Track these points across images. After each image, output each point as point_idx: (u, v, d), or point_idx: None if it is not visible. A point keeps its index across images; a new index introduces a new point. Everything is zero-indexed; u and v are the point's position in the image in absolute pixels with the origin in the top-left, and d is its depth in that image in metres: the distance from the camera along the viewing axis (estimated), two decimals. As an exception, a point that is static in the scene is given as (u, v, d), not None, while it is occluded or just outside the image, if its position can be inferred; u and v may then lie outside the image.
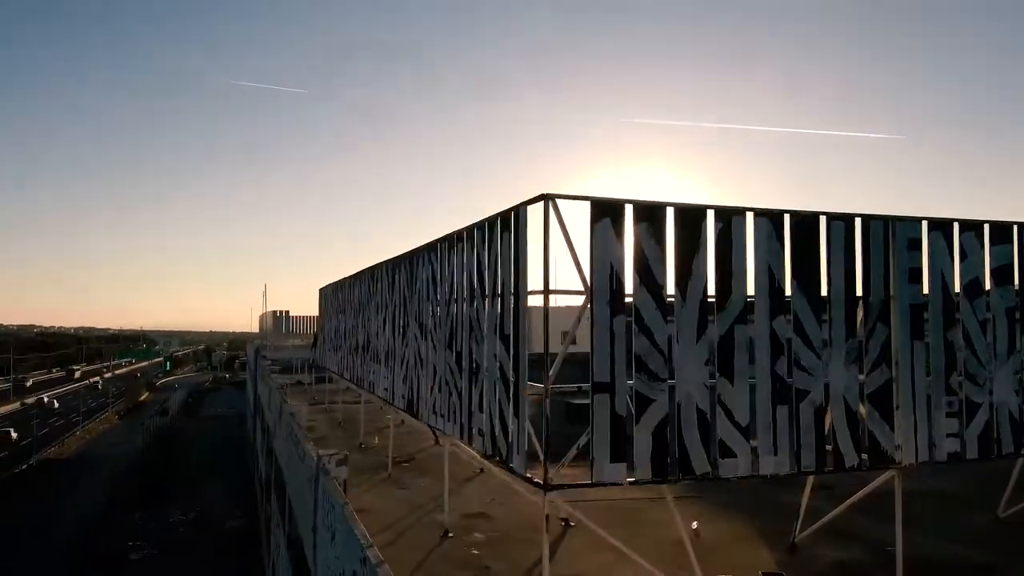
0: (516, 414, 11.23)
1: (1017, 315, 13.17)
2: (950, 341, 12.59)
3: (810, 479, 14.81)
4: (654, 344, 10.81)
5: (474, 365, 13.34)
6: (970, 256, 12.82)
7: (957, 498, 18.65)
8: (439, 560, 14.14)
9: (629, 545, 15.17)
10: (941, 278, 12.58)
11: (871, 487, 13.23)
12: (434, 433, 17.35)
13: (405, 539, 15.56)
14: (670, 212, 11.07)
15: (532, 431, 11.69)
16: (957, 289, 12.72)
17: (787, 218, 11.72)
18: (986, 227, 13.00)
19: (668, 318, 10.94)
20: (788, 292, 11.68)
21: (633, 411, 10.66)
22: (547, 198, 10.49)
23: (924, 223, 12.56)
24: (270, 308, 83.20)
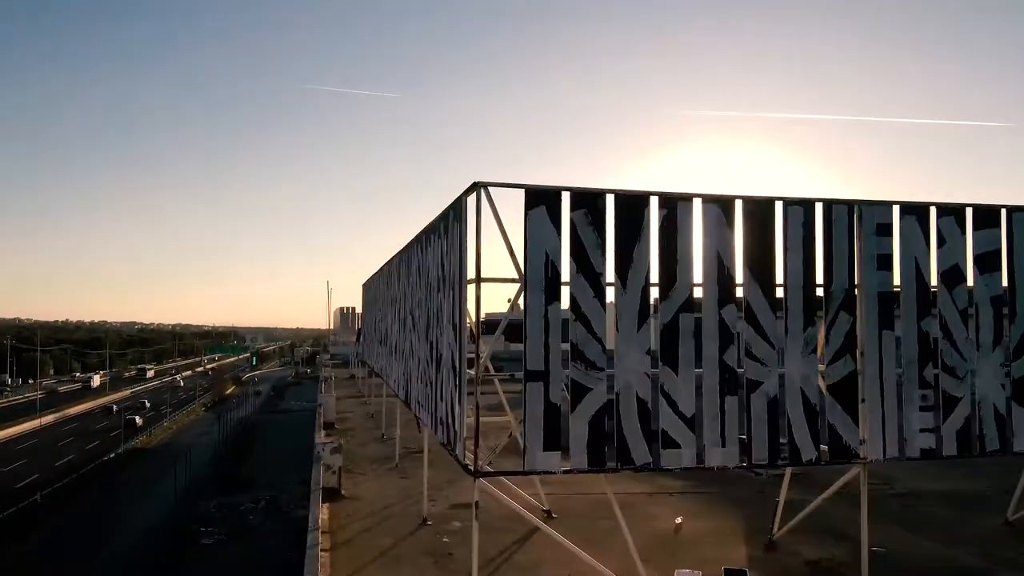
0: (460, 401, 11.35)
1: (1005, 304, 12.39)
2: (925, 331, 11.96)
3: (787, 474, 14.33)
4: (591, 332, 10.73)
5: (439, 355, 13.53)
6: (949, 242, 12.14)
7: (972, 499, 17.65)
8: (408, 546, 14.40)
9: (611, 539, 15.08)
10: (915, 265, 11.96)
11: (839, 484, 12.73)
12: (418, 423, 17.61)
13: (384, 526, 15.90)
14: (610, 199, 10.95)
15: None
16: (934, 276, 12.07)
17: (739, 204, 11.41)
18: (968, 211, 12.28)
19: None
20: (740, 280, 11.38)
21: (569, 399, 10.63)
22: (479, 186, 10.56)
23: (895, 207, 11.98)
24: (345, 304, 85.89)
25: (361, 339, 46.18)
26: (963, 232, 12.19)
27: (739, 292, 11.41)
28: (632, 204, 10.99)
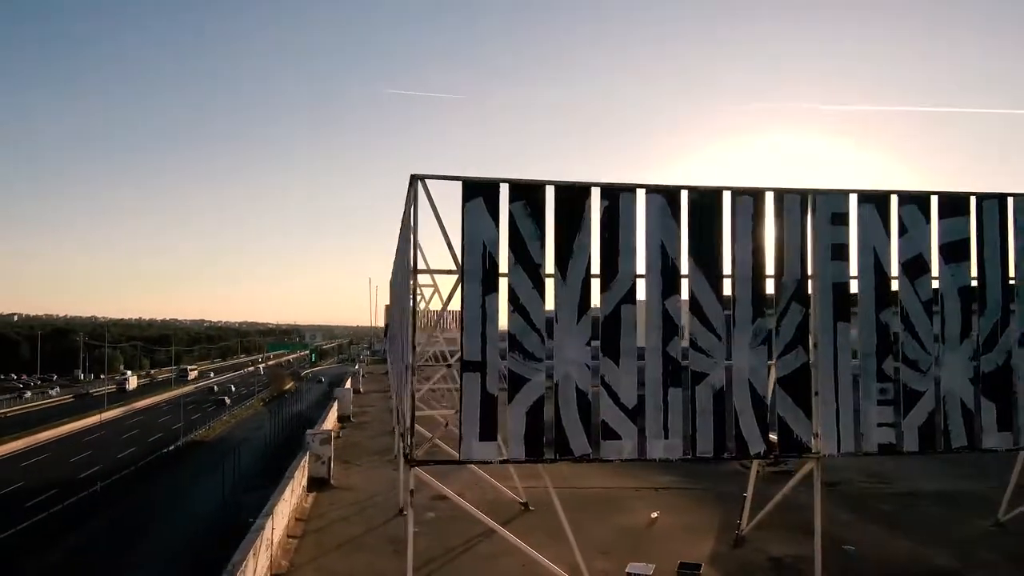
0: (406, 391, 11.54)
1: (974, 295, 11.93)
2: (884, 323, 11.61)
3: (754, 468, 14.09)
4: (529, 323, 10.78)
5: (398, 347, 13.76)
6: (911, 231, 11.75)
7: (972, 499, 16.98)
8: (376, 535, 14.66)
9: (578, 531, 15.08)
10: (873, 255, 11.62)
11: (796, 478, 12.47)
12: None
13: (361, 515, 16.22)
14: (549, 191, 10.97)
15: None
16: (895, 267, 11.72)
17: (684, 194, 11.29)
18: (934, 199, 11.88)
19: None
20: (685, 271, 11.25)
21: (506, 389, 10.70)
22: (415, 179, 10.71)
23: (852, 196, 11.66)
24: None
25: (387, 335, 46.98)
26: (927, 221, 11.79)
27: (684, 283, 11.29)
28: (572, 195, 10.99)
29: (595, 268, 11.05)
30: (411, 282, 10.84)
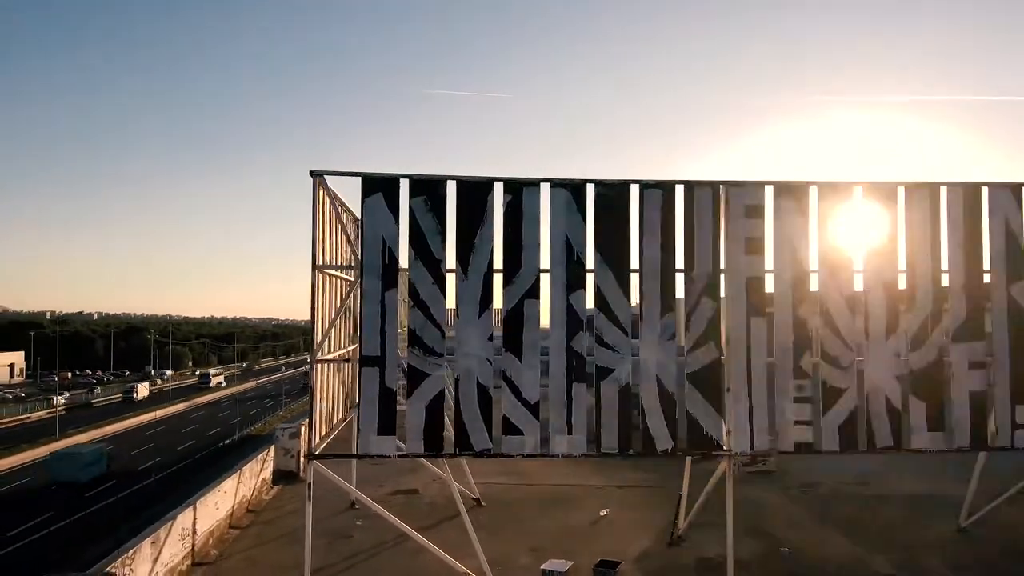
0: (313, 386, 11.68)
1: (904, 289, 11.48)
2: (801, 318, 11.27)
3: (687, 466, 13.82)
4: (430, 318, 10.81)
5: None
6: (833, 223, 11.39)
7: (948, 503, 16.21)
8: (318, 527, 14.72)
9: (524, 527, 15.10)
10: (791, 248, 11.30)
11: (715, 478, 12.17)
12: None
13: (317, 508, 16.39)
14: (451, 185, 11.00)
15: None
16: (815, 260, 11.37)
17: (590, 188, 11.17)
18: (858, 189, 11.49)
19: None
20: (591, 265, 11.13)
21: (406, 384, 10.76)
22: (315, 175, 10.85)
23: (768, 188, 11.36)
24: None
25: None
26: (852, 211, 11.41)
27: (590, 278, 11.17)
28: (474, 190, 10.99)
29: (499, 263, 11.04)
30: (313, 278, 10.93)
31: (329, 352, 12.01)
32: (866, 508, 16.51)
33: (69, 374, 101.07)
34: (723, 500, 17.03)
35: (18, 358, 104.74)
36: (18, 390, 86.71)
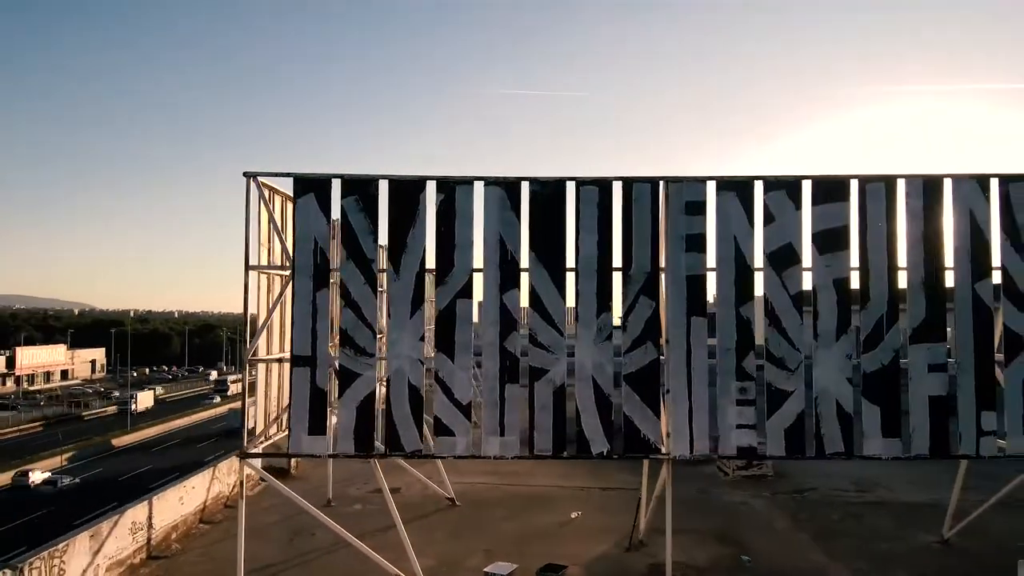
0: (244, 384, 11.80)
1: (855, 288, 10.92)
2: (745, 318, 10.84)
3: (645, 469, 13.45)
4: (361, 318, 10.79)
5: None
6: (779, 219, 10.91)
7: (937, 511, 15.44)
8: (287, 524, 14.97)
9: (490, 528, 14.98)
10: (734, 245, 10.87)
11: (660, 482, 11.80)
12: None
13: (291, 505, 16.59)
14: (383, 185, 10.95)
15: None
16: (759, 258, 10.92)
17: (525, 186, 10.97)
18: (806, 184, 10.98)
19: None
20: (525, 264, 10.94)
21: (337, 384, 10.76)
22: (249, 176, 10.93)
23: (710, 183, 10.96)
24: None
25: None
26: (798, 207, 10.92)
27: (524, 277, 10.99)
28: (406, 189, 10.91)
29: (432, 263, 10.95)
30: (246, 278, 11.02)
31: (274, 351, 12.11)
32: (852, 516, 15.85)
33: (147, 369, 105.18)
34: (694, 505, 16.78)
35: (99, 354, 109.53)
36: (97, 385, 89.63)
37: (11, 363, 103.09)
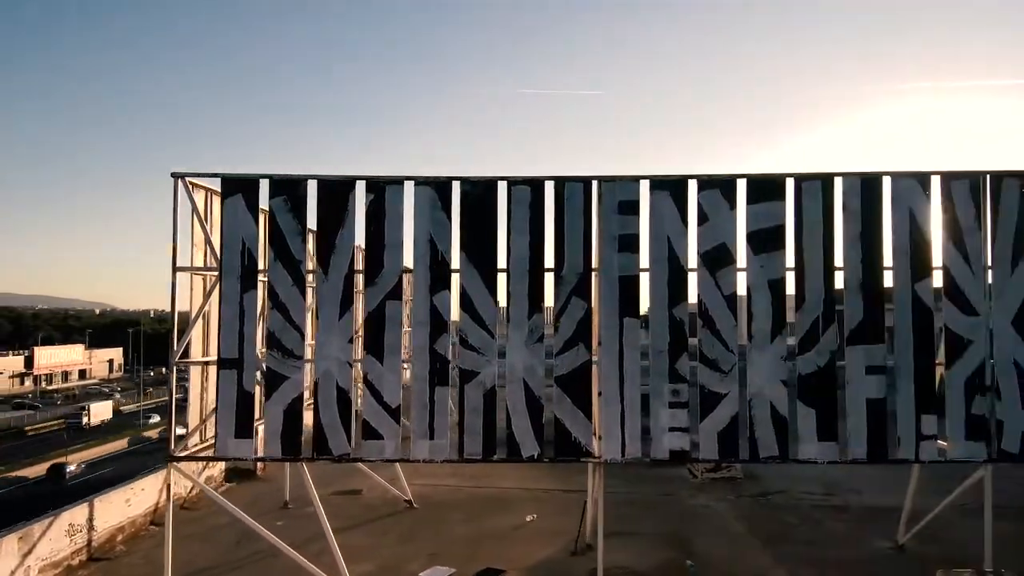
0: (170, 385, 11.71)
1: (790, 289, 10.72)
2: (678, 319, 10.66)
3: (589, 472, 13.26)
4: (289, 320, 10.67)
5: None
6: (713, 218, 10.72)
7: (897, 516, 15.23)
8: (234, 528, 14.74)
9: (442, 531, 14.84)
10: (667, 245, 10.69)
11: (592, 487, 11.62)
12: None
13: (254, 506, 16.54)
14: (312, 185, 10.83)
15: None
16: (693, 258, 10.73)
17: (456, 185, 10.82)
18: (741, 183, 10.78)
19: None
20: (456, 265, 10.79)
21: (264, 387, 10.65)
22: (177, 176, 10.83)
23: (643, 182, 10.78)
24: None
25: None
26: (732, 207, 10.72)
27: (455, 278, 10.85)
28: (335, 189, 10.79)
29: (361, 263, 10.84)
30: (173, 280, 10.92)
31: (212, 354, 12.01)
32: (812, 520, 15.61)
33: (163, 369, 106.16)
34: (654, 508, 16.59)
35: (117, 354, 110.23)
36: (114, 384, 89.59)
37: (29, 363, 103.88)
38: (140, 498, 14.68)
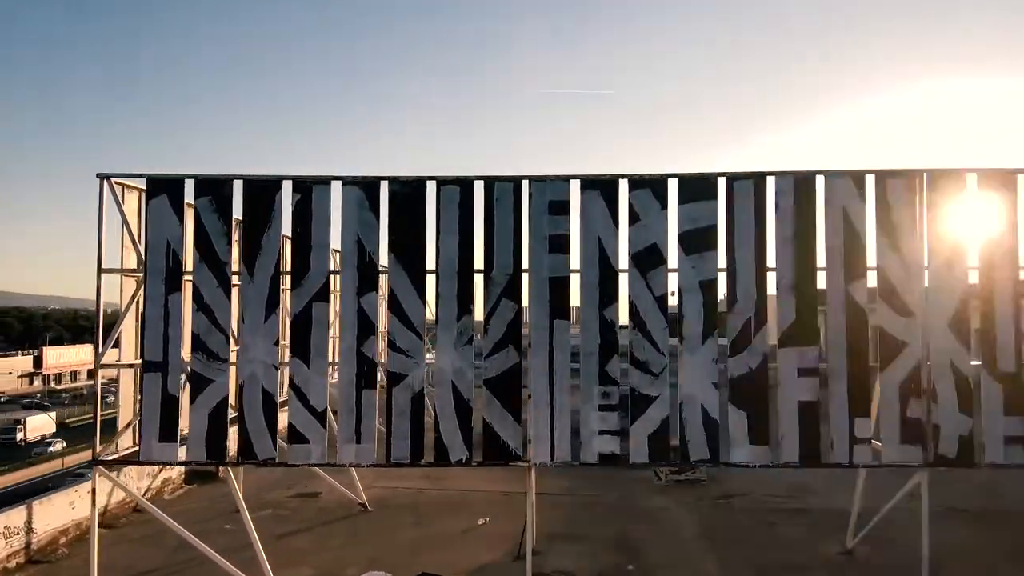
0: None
1: (721, 290, 10.56)
2: (609, 321, 10.51)
3: (530, 476, 13.10)
4: (214, 323, 10.54)
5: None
6: (644, 218, 10.56)
7: (864, 520, 15.01)
8: (187, 526, 14.76)
9: (389, 534, 14.70)
10: (598, 246, 10.54)
11: (533, 490, 11.45)
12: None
13: (209, 509, 16.45)
14: (238, 185, 10.69)
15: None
16: (624, 259, 10.58)
17: (384, 185, 10.68)
18: (672, 183, 10.62)
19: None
20: (384, 266, 10.65)
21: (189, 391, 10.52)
22: (102, 177, 10.70)
23: (574, 182, 10.62)
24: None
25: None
26: (664, 207, 10.57)
27: (383, 279, 10.71)
28: (261, 190, 10.65)
29: (288, 265, 10.69)
30: (98, 281, 10.78)
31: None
32: (767, 523, 15.43)
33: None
34: (611, 511, 16.43)
35: None
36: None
37: (38, 363, 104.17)
38: (86, 500, 14.55)
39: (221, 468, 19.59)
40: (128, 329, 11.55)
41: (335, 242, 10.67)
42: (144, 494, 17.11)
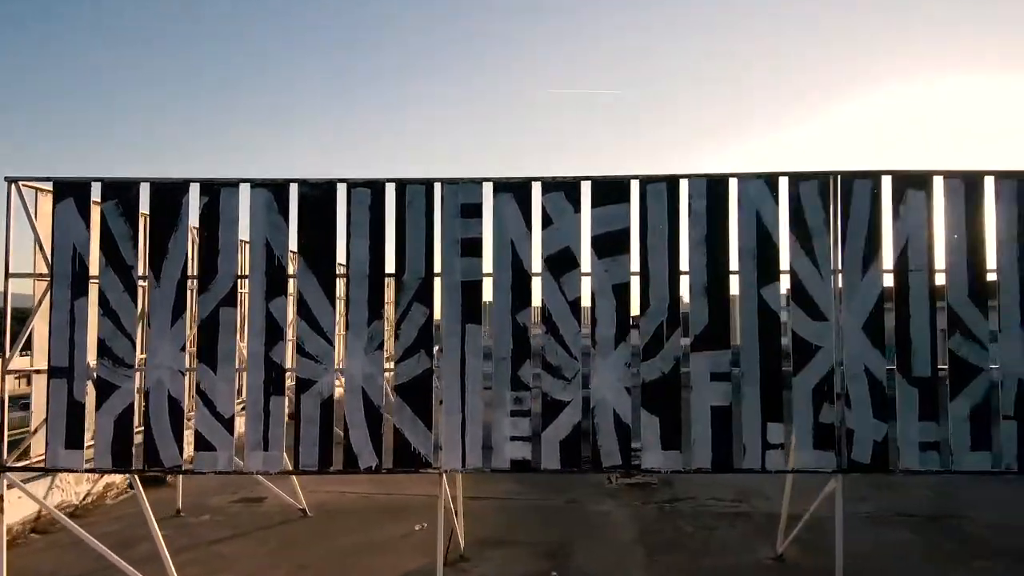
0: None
1: (635, 293, 10.46)
2: (521, 325, 10.39)
3: (459, 480, 13.01)
4: (120, 327, 10.38)
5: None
6: (556, 222, 10.45)
7: (809, 525, 14.92)
8: (111, 536, 14.51)
9: (324, 541, 14.56)
10: (511, 249, 10.42)
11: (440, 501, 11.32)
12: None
13: (137, 516, 16.21)
14: (144, 188, 10.54)
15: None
16: (537, 262, 10.46)
17: (293, 188, 10.54)
18: (585, 185, 10.51)
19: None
20: (293, 270, 10.52)
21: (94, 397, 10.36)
22: (10, 180, 10.54)
23: (487, 184, 10.51)
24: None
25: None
26: (577, 210, 10.46)
27: (292, 283, 10.58)
28: (168, 192, 10.50)
29: (195, 269, 10.55)
30: (5, 286, 10.63)
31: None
32: (708, 528, 15.33)
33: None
34: (553, 515, 16.29)
35: None
36: None
37: None
38: (19, 505, 14.36)
39: (170, 475, 19.48)
40: (41, 335, 11.39)
41: (243, 246, 10.51)
42: (84, 499, 16.94)
